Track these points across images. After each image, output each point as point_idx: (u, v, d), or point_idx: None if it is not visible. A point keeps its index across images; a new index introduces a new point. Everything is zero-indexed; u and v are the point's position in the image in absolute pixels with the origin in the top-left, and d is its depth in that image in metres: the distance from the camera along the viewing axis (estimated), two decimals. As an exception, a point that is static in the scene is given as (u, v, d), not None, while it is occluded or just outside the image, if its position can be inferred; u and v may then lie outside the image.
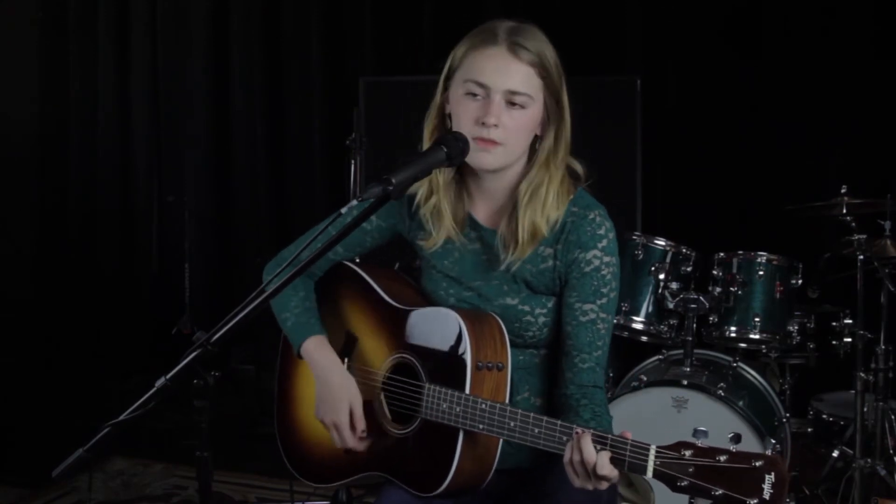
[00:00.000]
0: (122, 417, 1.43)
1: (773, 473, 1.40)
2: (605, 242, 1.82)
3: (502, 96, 1.74)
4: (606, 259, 1.81)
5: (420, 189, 1.89)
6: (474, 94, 1.75)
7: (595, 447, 1.53)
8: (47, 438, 4.06)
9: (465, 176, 1.88)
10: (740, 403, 3.02)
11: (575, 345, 1.81)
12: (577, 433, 1.57)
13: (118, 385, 4.98)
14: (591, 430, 1.56)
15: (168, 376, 1.45)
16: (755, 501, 1.40)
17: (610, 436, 1.54)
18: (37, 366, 5.26)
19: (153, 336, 5.38)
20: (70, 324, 5.49)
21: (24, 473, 3.73)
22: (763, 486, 1.40)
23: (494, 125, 1.73)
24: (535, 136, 1.82)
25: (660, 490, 2.80)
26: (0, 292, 5.59)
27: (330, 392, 1.91)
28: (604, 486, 1.55)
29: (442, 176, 1.85)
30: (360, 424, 1.89)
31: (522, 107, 1.75)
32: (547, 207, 1.80)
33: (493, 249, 1.87)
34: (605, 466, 1.52)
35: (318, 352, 1.95)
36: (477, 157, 1.77)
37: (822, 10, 4.20)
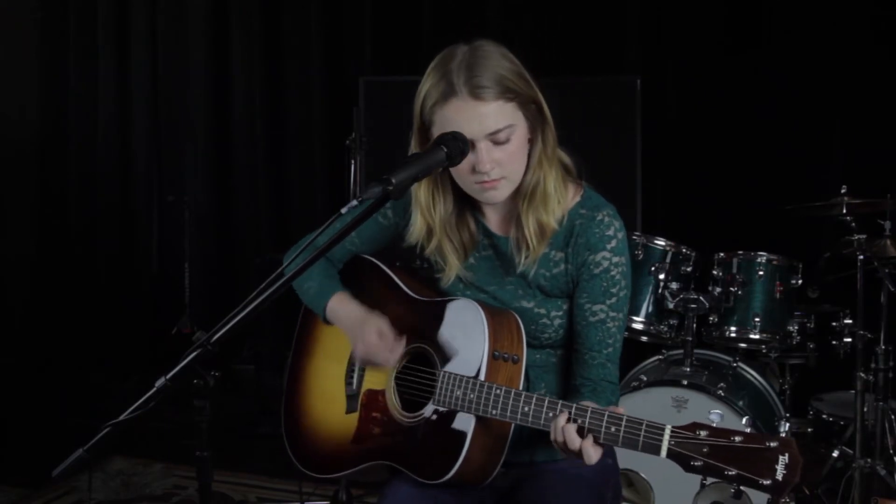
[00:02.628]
0: (122, 417, 1.43)
1: (786, 455, 1.41)
2: (613, 243, 1.82)
3: (486, 141, 1.73)
4: (615, 259, 1.82)
5: (418, 231, 1.88)
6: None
7: (598, 430, 1.57)
8: (47, 438, 4.06)
9: (469, 194, 1.86)
10: (740, 403, 3.01)
11: (585, 343, 1.83)
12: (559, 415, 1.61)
13: (118, 385, 4.99)
14: (608, 411, 1.58)
15: (168, 376, 1.45)
16: (768, 482, 1.41)
17: (625, 416, 1.56)
18: (37, 366, 5.27)
19: (153, 336, 5.38)
20: (70, 324, 5.50)
21: (24, 473, 3.73)
22: (776, 466, 1.41)
23: (491, 169, 1.74)
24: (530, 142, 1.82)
25: (660, 490, 2.81)
26: (0, 292, 5.60)
27: (357, 323, 1.92)
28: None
29: (438, 216, 1.86)
30: (392, 336, 1.89)
31: (508, 138, 1.74)
32: (550, 202, 1.81)
33: (505, 256, 1.89)
34: (589, 450, 1.58)
35: (341, 305, 1.98)
36: (487, 196, 1.79)
37: (823, 9, 4.20)
